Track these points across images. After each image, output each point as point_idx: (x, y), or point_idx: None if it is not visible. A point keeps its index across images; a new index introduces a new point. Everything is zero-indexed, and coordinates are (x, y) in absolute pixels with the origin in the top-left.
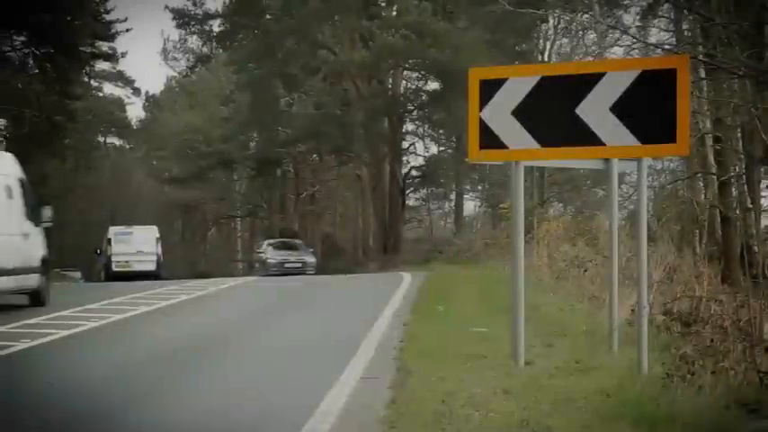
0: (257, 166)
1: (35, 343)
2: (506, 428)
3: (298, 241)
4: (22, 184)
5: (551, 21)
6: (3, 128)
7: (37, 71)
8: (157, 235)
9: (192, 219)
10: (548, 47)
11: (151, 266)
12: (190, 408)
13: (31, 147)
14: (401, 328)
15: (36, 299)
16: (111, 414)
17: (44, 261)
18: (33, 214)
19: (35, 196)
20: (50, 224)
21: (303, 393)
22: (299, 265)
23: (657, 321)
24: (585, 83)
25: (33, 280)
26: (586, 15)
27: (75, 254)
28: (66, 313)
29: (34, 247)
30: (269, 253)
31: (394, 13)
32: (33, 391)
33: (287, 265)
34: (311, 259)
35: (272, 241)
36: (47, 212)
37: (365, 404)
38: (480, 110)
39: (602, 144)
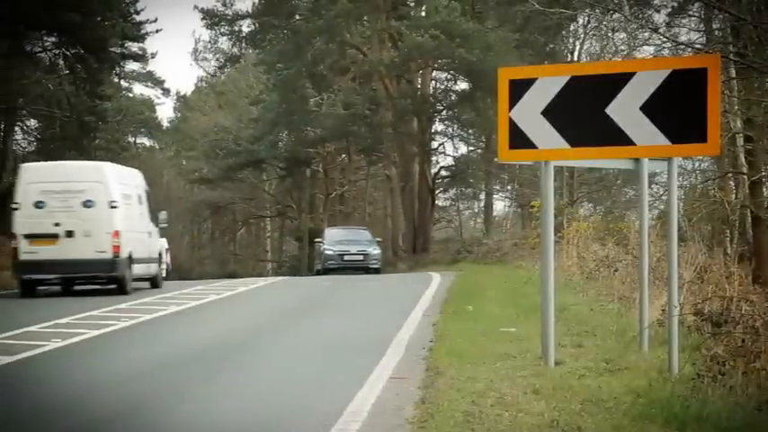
0: (287, 166)
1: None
2: (536, 429)
3: (362, 229)
4: (147, 194)
5: (581, 20)
6: (34, 128)
7: (67, 72)
8: (166, 246)
9: (222, 219)
10: (577, 46)
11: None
12: (221, 406)
13: (62, 147)
14: (430, 328)
15: (154, 283)
16: (141, 412)
17: (159, 255)
18: (153, 218)
19: (154, 204)
20: (165, 225)
21: (333, 393)
22: (360, 258)
23: (688, 322)
24: (615, 82)
25: (154, 269)
26: (616, 15)
27: None
28: (97, 313)
29: (155, 244)
30: (327, 242)
31: (423, 13)
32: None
33: (346, 258)
34: (375, 251)
35: (333, 230)
36: (162, 216)
37: (394, 404)
38: (510, 110)
39: (633, 144)
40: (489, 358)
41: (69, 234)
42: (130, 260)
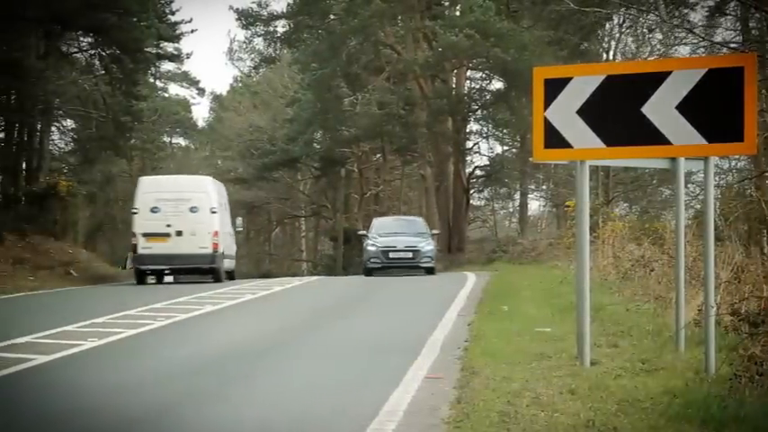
0: (321, 165)
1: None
2: (572, 429)
3: (415, 219)
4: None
5: (616, 19)
6: (70, 128)
7: (103, 72)
8: None
9: (257, 218)
10: (612, 46)
11: None
12: (256, 407)
13: (98, 148)
14: (465, 328)
15: (231, 276)
16: (175, 412)
17: (235, 253)
18: (232, 222)
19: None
20: (241, 230)
21: (368, 393)
22: (409, 255)
23: (725, 322)
24: (651, 81)
25: (233, 264)
26: (652, 14)
27: None
28: (133, 312)
29: (233, 244)
30: (372, 235)
31: (457, 13)
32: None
33: (391, 256)
34: (428, 246)
35: (382, 219)
36: (238, 221)
37: (430, 404)
38: (545, 109)
39: (669, 143)
40: (525, 358)
41: (179, 233)
42: (223, 255)
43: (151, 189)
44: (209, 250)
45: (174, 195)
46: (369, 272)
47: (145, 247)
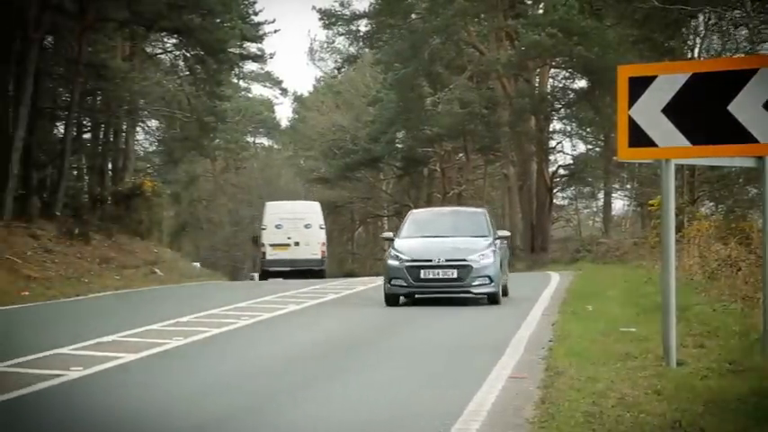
0: (404, 164)
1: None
2: (658, 430)
3: (476, 211)
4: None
5: (701, 17)
6: (155, 129)
7: (187, 73)
8: None
9: (340, 218)
10: (698, 43)
11: None
12: (340, 405)
13: (182, 148)
14: (549, 328)
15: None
16: (261, 411)
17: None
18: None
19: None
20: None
21: (452, 392)
22: (453, 274)
23: None
24: (738, 79)
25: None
26: (737, 11)
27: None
28: (218, 311)
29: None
30: (401, 239)
31: (540, 11)
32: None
33: (425, 275)
34: (487, 259)
35: (421, 214)
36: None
37: (514, 404)
38: (629, 108)
39: (756, 141)
40: (610, 358)
41: (296, 243)
42: (326, 260)
43: (275, 211)
44: (319, 256)
45: (292, 215)
46: (390, 300)
47: (271, 254)
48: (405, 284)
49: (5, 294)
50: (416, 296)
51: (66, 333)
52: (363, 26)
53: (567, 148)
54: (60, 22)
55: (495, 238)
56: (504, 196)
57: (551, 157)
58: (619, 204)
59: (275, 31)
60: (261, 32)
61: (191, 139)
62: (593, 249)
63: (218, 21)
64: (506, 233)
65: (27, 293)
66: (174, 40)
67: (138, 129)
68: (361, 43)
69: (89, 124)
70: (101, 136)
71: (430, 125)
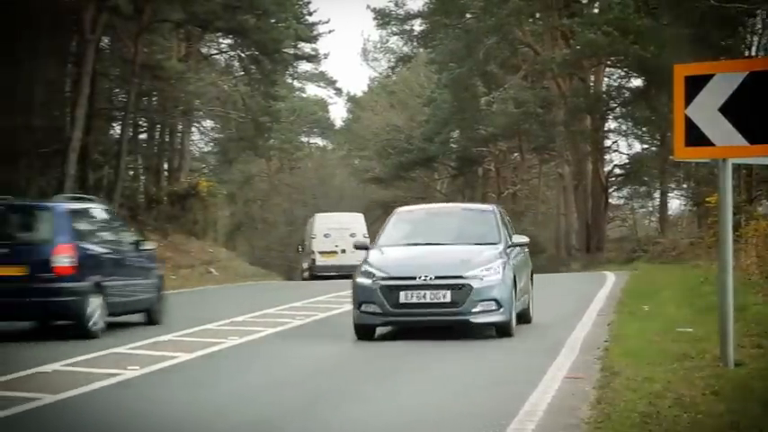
0: (458, 164)
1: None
2: (716, 431)
3: (484, 210)
4: None
5: (758, 15)
6: (210, 129)
7: (242, 73)
8: None
9: None
10: (755, 41)
11: None
12: (396, 405)
13: (237, 148)
14: (605, 328)
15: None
16: (317, 409)
17: None
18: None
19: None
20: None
21: (507, 393)
22: (445, 297)
23: None
24: None
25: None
26: None
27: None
28: (272, 311)
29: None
30: (380, 246)
31: (596, 10)
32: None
33: (405, 299)
34: (494, 275)
35: (410, 213)
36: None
37: (570, 404)
38: (686, 107)
39: None
40: (666, 359)
41: (343, 251)
42: None
43: (324, 222)
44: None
45: (338, 226)
46: (361, 332)
47: (320, 261)
48: (379, 311)
49: None
50: (395, 324)
51: (122, 333)
52: (418, 26)
53: (622, 148)
54: (117, 24)
55: (509, 246)
56: (559, 196)
57: (607, 157)
58: (675, 204)
59: (329, 32)
60: (315, 32)
61: (246, 139)
62: (649, 249)
63: (273, 21)
64: (524, 239)
65: None
66: (229, 41)
67: (193, 129)
68: (415, 43)
69: (145, 125)
70: (157, 136)
71: (484, 125)
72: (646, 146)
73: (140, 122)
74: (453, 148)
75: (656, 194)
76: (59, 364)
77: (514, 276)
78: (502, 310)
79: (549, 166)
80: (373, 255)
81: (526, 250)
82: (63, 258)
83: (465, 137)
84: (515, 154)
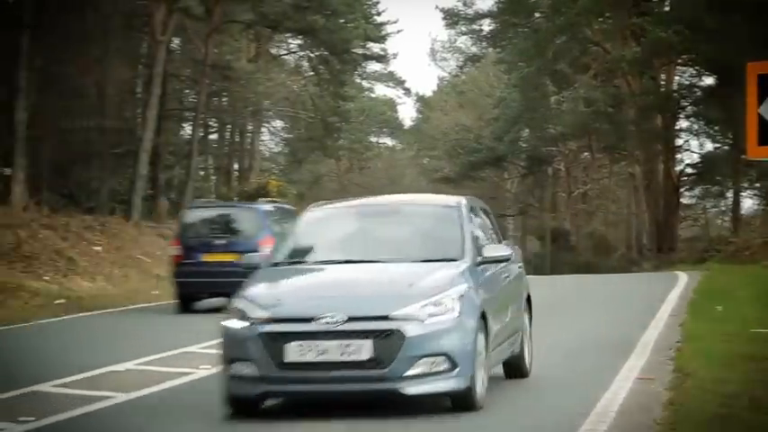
0: (528, 164)
1: None
2: None
3: (437, 204)
4: None
5: None
6: (280, 129)
7: (311, 73)
8: None
9: None
10: None
11: None
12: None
13: (306, 148)
14: (677, 329)
15: None
16: None
17: None
18: None
19: None
20: None
21: (579, 393)
22: (360, 355)
23: None
24: None
25: None
26: None
27: None
28: None
29: None
30: (276, 264)
31: (666, 8)
32: None
33: (296, 357)
34: (444, 316)
35: (325, 211)
36: None
37: (642, 405)
38: (759, 105)
39: None
40: (740, 360)
41: None
42: None
43: None
44: None
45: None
46: (235, 405)
47: None
48: (257, 375)
49: (138, 293)
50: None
51: (190, 332)
52: (487, 25)
53: (694, 147)
54: (187, 25)
55: (480, 263)
56: (630, 195)
57: (678, 156)
58: (748, 203)
59: (398, 32)
60: (383, 32)
61: (315, 139)
62: (721, 249)
63: (342, 21)
64: (503, 251)
65: (157, 292)
66: (298, 41)
67: (263, 129)
68: (484, 43)
69: (215, 125)
70: (227, 136)
71: (554, 124)
72: (717, 145)
73: (211, 123)
74: (523, 148)
75: (729, 194)
76: (135, 363)
77: (483, 313)
78: (457, 370)
79: (620, 165)
80: (256, 281)
81: (519, 266)
82: (266, 248)
83: (535, 136)
84: (585, 153)
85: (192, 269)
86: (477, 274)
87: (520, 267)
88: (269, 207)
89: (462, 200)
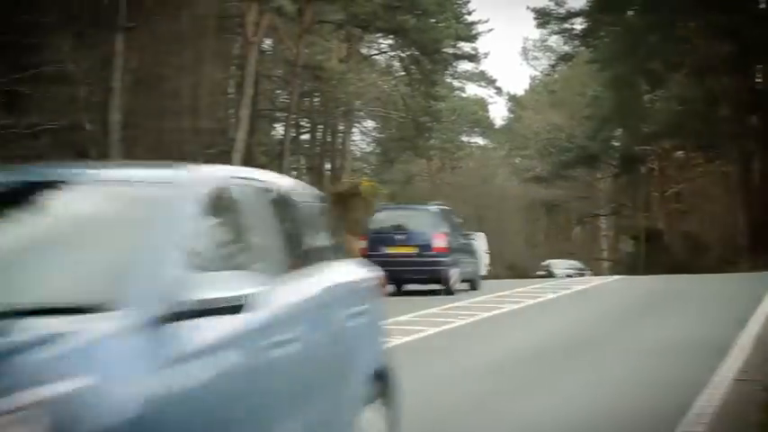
0: (621, 163)
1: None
2: None
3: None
4: None
5: None
6: (371, 129)
7: (402, 73)
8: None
9: (556, 217)
10: None
11: None
12: (561, 404)
13: (398, 148)
14: None
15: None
16: (485, 408)
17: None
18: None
19: None
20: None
21: (674, 394)
22: None
23: None
24: None
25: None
26: None
27: None
28: (435, 311)
29: None
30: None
31: (762, 6)
32: None
33: None
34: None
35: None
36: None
37: (740, 407)
38: None
39: None
40: None
41: None
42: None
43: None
44: (485, 272)
45: None
46: None
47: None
48: None
49: None
50: None
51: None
52: (579, 24)
53: None
54: (279, 26)
55: (172, 317)
56: (725, 195)
57: None
58: None
59: (489, 31)
60: (474, 32)
61: (406, 139)
62: None
63: (433, 21)
64: (240, 291)
65: None
66: (389, 41)
67: (354, 129)
68: (576, 41)
69: (307, 125)
70: (318, 136)
71: (647, 123)
72: None
73: (302, 123)
74: (615, 147)
75: None
76: None
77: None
78: None
79: (715, 164)
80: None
81: (367, 306)
82: (439, 242)
83: (627, 135)
84: (679, 152)
85: (376, 260)
86: (162, 344)
87: (367, 306)
88: (437, 208)
89: (185, 173)
